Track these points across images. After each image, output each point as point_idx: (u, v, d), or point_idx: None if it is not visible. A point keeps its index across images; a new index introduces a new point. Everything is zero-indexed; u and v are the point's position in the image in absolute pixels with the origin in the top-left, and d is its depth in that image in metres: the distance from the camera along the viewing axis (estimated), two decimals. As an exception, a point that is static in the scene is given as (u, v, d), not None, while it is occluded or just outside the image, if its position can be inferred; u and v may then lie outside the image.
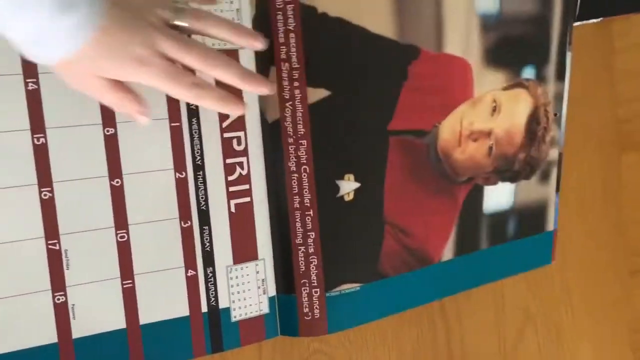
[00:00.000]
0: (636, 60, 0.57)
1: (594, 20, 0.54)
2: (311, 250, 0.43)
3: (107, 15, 0.29)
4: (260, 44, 0.33)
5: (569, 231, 0.56)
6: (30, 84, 0.37)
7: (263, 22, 0.42)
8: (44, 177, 0.38)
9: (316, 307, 0.44)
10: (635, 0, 0.56)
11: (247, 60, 0.42)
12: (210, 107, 0.33)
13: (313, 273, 0.44)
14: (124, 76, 0.31)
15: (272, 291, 0.44)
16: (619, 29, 0.56)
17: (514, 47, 0.47)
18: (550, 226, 0.54)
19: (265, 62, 0.42)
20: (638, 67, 0.57)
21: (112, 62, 0.30)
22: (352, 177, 0.43)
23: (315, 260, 0.43)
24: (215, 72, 0.32)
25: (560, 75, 0.50)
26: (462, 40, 0.45)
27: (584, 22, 0.53)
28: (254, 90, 0.33)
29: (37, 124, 0.37)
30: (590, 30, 0.55)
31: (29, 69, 0.37)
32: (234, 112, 0.34)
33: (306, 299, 0.44)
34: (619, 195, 0.58)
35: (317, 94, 0.42)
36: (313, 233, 0.43)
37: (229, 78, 0.32)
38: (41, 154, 0.37)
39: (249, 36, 0.33)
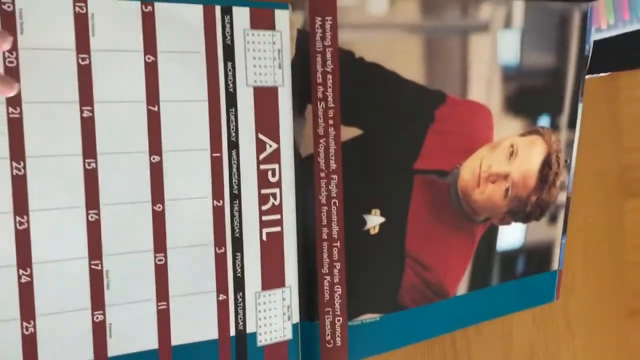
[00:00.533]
0: (640, 112, 0.61)
1: (602, 74, 0.57)
2: (336, 280, 0.45)
3: None
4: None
5: (574, 270, 0.58)
6: (85, 112, 0.39)
7: (303, 63, 0.44)
8: (92, 200, 0.39)
9: (338, 335, 0.46)
10: (639, 57, 0.59)
11: (286, 98, 0.44)
12: None
13: (337, 302, 0.46)
14: None
15: (295, 318, 0.46)
16: (625, 83, 0.60)
17: (532, 97, 0.50)
18: (555, 265, 0.56)
19: (303, 101, 0.45)
20: (642, 119, 0.61)
21: None
22: (378, 211, 0.46)
23: (340, 289, 0.45)
24: None
25: (571, 124, 0.53)
26: (484, 88, 0.48)
27: (593, 75, 0.57)
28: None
29: (89, 149, 0.39)
30: (599, 83, 0.59)
31: (86, 98, 0.39)
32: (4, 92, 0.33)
33: (329, 327, 0.46)
34: (621, 238, 0.61)
35: (349, 133, 0.44)
36: (339, 263, 0.45)
37: None
38: (91, 178, 0.39)
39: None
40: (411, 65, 0.45)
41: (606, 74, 0.58)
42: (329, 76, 0.44)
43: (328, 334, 0.46)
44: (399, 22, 0.45)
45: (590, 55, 0.54)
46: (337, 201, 0.45)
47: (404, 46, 0.45)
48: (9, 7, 0.37)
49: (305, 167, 0.45)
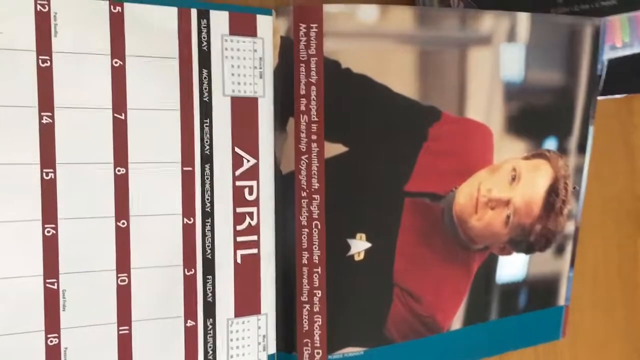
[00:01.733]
0: (658, 138, 0.56)
1: (617, 96, 0.54)
2: (316, 309, 0.42)
3: None
4: None
5: (582, 307, 0.54)
6: (45, 118, 0.36)
7: (286, 73, 0.41)
8: (49, 213, 0.36)
9: (316, 370, 0.42)
10: (658, 79, 0.55)
11: (267, 110, 0.41)
12: None
13: (316, 333, 0.42)
14: None
15: (272, 348, 0.42)
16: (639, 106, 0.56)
17: (537, 117, 0.47)
18: (561, 301, 0.52)
19: (285, 113, 0.41)
20: (659, 145, 0.57)
21: None
22: (364, 236, 0.42)
23: (320, 319, 0.42)
24: None
25: (581, 149, 0.49)
26: (484, 106, 0.44)
27: (607, 97, 0.53)
28: None
29: (47, 158, 0.36)
30: (611, 105, 0.55)
31: (45, 103, 0.36)
32: None
33: (307, 359, 0.42)
34: (635, 274, 0.57)
35: (334, 149, 0.41)
36: (320, 291, 0.42)
37: None
38: (49, 189, 0.36)
39: None
40: (403, 79, 0.42)
41: (621, 96, 0.54)
42: (313, 87, 0.41)
43: (305, 368, 0.42)
44: (391, 31, 0.41)
45: (603, 75, 0.50)
46: (319, 223, 0.41)
47: (395, 57, 0.42)
48: (-35, 3, 0.34)
49: (286, 185, 0.42)
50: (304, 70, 0.41)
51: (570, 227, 0.50)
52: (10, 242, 0.36)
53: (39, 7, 0.36)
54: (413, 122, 0.43)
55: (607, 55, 0.50)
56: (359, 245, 0.42)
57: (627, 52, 0.51)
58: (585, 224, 0.52)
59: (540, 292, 0.51)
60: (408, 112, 0.42)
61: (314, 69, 0.41)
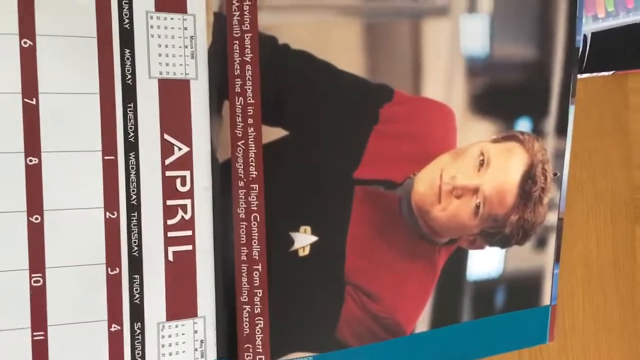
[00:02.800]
0: (653, 119, 0.51)
1: (604, 74, 0.49)
2: (257, 310, 0.38)
3: None
4: None
5: (573, 307, 0.49)
6: (-56, 103, 0.33)
7: (221, 52, 0.38)
8: (-49, 208, 0.33)
9: (260, 378, 0.38)
10: (653, 54, 0.50)
11: (200, 93, 0.38)
12: None
13: (258, 337, 0.38)
14: None
15: (211, 355, 0.39)
16: (635, 85, 0.51)
17: (507, 95, 0.42)
18: (546, 300, 0.47)
19: (221, 96, 0.38)
20: (656, 128, 0.51)
21: None
22: (309, 229, 0.38)
23: (262, 322, 0.38)
24: None
25: (561, 131, 0.45)
26: (443, 84, 0.40)
27: (594, 74, 0.48)
28: None
29: (-52, 147, 0.33)
30: (602, 84, 0.50)
31: (-55, 87, 0.33)
32: None
33: (249, 367, 0.38)
34: (633, 272, 0.51)
35: (273, 134, 0.37)
36: (260, 291, 0.38)
37: None
38: (-50, 182, 0.33)
39: None
40: (349, 54, 0.38)
41: (609, 73, 0.49)
42: (248, 66, 0.37)
43: (247, 376, 0.38)
44: (333, 2, 0.37)
45: (585, 49, 0.45)
46: (258, 215, 0.37)
47: (339, 31, 0.38)
48: None
49: (223, 174, 0.38)
50: (237, 47, 0.37)
51: (552, 218, 0.46)
52: None
53: None
54: (361, 102, 0.39)
55: (590, 27, 0.46)
56: (303, 239, 0.38)
57: (613, 23, 0.46)
58: (575, 216, 0.48)
59: (521, 290, 0.46)
60: (355, 91, 0.38)
61: (249, 45, 0.37)
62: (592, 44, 0.47)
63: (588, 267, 0.50)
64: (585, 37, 0.46)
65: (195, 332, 0.38)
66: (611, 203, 0.51)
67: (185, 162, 0.38)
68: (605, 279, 0.51)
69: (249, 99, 0.37)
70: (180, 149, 0.38)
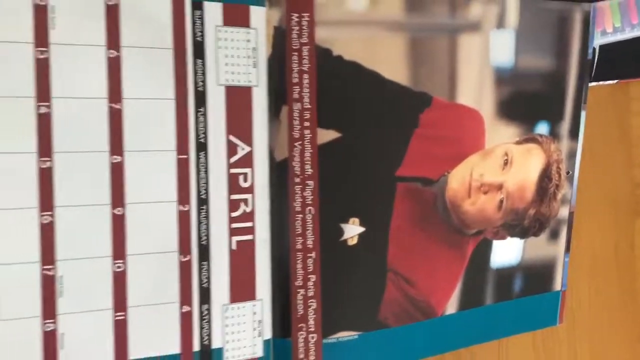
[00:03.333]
0: (652, 123, 0.57)
1: (611, 82, 0.54)
2: (311, 293, 0.42)
3: None
4: None
5: (579, 292, 0.54)
6: (42, 107, 0.37)
7: (279, 62, 0.42)
8: (46, 201, 0.37)
9: (312, 353, 0.43)
10: (652, 65, 0.55)
11: (261, 98, 0.42)
12: None
13: (311, 318, 0.43)
14: None
15: (267, 334, 0.43)
16: (636, 92, 0.56)
17: (528, 102, 0.47)
18: (558, 286, 0.52)
19: (279, 101, 0.42)
20: (654, 131, 0.57)
21: None
22: (357, 221, 0.43)
23: (314, 304, 0.42)
24: None
25: (574, 134, 0.50)
26: (475, 91, 0.45)
27: (600, 83, 0.53)
28: None
29: (44, 147, 0.37)
30: (607, 91, 0.55)
31: (43, 94, 0.37)
32: None
33: (302, 344, 0.43)
34: (632, 260, 0.57)
35: (327, 136, 0.42)
36: (314, 276, 0.42)
37: None
38: (45, 178, 0.37)
39: None
40: (394, 65, 0.42)
41: (614, 81, 0.54)
42: (306, 75, 0.41)
43: (301, 352, 0.43)
44: (381, 18, 0.42)
45: (594, 60, 0.50)
46: (312, 209, 0.42)
47: (386, 44, 0.42)
48: (-38, -4, 0.35)
49: (280, 172, 0.42)
50: (296, 58, 0.41)
51: (564, 212, 0.51)
52: (7, 229, 0.36)
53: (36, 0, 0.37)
54: (404, 108, 0.43)
55: (599, 40, 0.51)
56: (352, 230, 0.43)
57: (619, 37, 0.51)
58: (581, 209, 0.53)
59: (535, 277, 0.51)
60: (399, 98, 0.43)
61: (306, 57, 0.41)
62: (599, 56, 0.52)
63: (593, 256, 0.55)
64: (593, 49, 0.51)
65: (254, 313, 0.43)
66: (614, 199, 0.56)
67: (247, 160, 0.42)
68: (608, 267, 0.56)
69: (306, 104, 0.42)
70: (243, 148, 0.42)
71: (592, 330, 0.55)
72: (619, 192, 0.56)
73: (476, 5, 0.44)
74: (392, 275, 0.44)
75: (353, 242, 0.43)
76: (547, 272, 0.52)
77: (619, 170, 0.56)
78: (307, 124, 0.42)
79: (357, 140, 0.42)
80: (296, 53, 0.41)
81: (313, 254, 0.42)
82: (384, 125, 0.43)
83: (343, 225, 0.42)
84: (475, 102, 0.45)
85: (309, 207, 0.42)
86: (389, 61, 0.42)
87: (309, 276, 0.42)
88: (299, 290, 0.42)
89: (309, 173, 0.42)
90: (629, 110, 0.56)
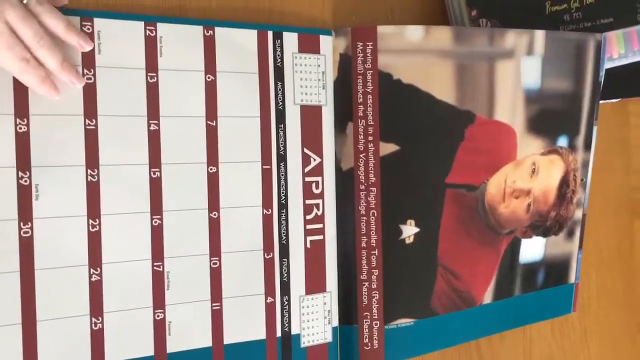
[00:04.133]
0: (648, 136, 0.65)
1: (613, 100, 0.62)
2: (374, 285, 0.49)
3: None
4: (86, 45, 0.39)
5: (589, 285, 0.62)
6: (152, 125, 0.43)
7: (344, 84, 0.48)
8: (156, 206, 0.43)
9: (375, 338, 0.49)
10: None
11: (328, 116, 0.48)
12: (29, 83, 0.38)
13: (374, 307, 0.49)
14: None
15: (335, 322, 0.49)
16: (634, 109, 0.64)
17: (551, 118, 0.55)
18: (572, 279, 0.60)
19: (344, 118, 0.48)
20: (650, 143, 0.65)
21: None
22: (413, 222, 0.49)
23: (377, 295, 0.49)
24: (41, 51, 0.38)
25: (587, 146, 0.57)
26: (509, 109, 0.52)
27: (605, 101, 0.61)
28: (64, 78, 0.39)
29: (154, 159, 0.43)
30: (610, 108, 0.63)
31: (153, 113, 0.42)
32: (47, 94, 0.39)
33: (367, 330, 0.49)
34: (631, 256, 0.65)
35: (387, 148, 0.48)
36: (377, 270, 0.49)
37: (51, 62, 0.38)
38: (156, 186, 0.43)
39: (75, 35, 0.39)
40: (444, 87, 0.49)
41: (617, 100, 0.62)
42: (369, 96, 0.48)
43: (366, 337, 0.49)
44: (433, 48, 0.49)
45: (602, 82, 0.58)
46: (375, 212, 0.48)
47: (437, 69, 0.49)
48: (88, 28, 0.41)
49: (345, 180, 0.49)
50: (361, 81, 0.48)
51: (578, 214, 0.58)
52: (125, 231, 0.42)
53: (147, 31, 0.42)
54: (452, 124, 0.50)
55: (606, 65, 0.58)
56: (409, 230, 0.49)
57: (623, 62, 0.59)
58: (589, 213, 0.60)
59: (554, 271, 0.58)
60: (448, 116, 0.50)
61: (370, 80, 0.48)
62: (605, 78, 0.60)
63: (599, 253, 0.63)
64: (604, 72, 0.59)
65: (325, 303, 0.49)
66: (615, 201, 0.64)
67: (318, 170, 0.48)
68: (612, 263, 0.64)
69: (370, 121, 0.48)
70: (314, 159, 0.48)
71: (599, 318, 0.63)
72: (620, 196, 0.64)
73: (510, 35, 0.51)
74: (442, 270, 0.51)
75: (410, 240, 0.49)
76: (564, 267, 0.59)
77: (619, 176, 0.64)
78: (370, 138, 0.48)
79: (413, 152, 0.49)
80: (361, 77, 0.48)
81: (376, 251, 0.48)
82: (435, 139, 0.49)
83: (402, 226, 0.49)
84: (509, 119, 0.52)
85: (372, 211, 0.48)
86: (440, 84, 0.49)
87: (373, 270, 0.49)
88: (364, 283, 0.49)
89: (373, 181, 0.48)
90: (628, 124, 0.64)
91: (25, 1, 0.37)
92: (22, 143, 0.39)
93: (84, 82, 0.40)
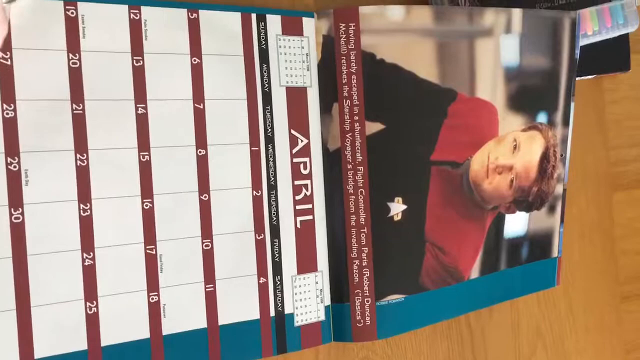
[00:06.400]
0: (622, 111, 0.66)
1: (589, 77, 0.63)
2: (364, 263, 0.49)
3: None
4: None
5: (572, 258, 0.63)
6: (139, 109, 0.43)
7: (329, 66, 0.49)
8: (146, 190, 0.43)
9: (367, 315, 0.49)
10: (620, 62, 0.65)
11: (314, 97, 0.49)
12: None
13: (365, 284, 0.49)
14: None
15: (327, 301, 0.50)
16: (609, 85, 0.66)
17: (531, 95, 0.56)
18: (555, 253, 0.61)
19: (330, 99, 0.49)
20: (624, 118, 0.67)
21: None
22: (400, 199, 0.50)
23: (368, 272, 0.49)
24: None
25: (565, 122, 0.59)
26: (490, 87, 0.53)
27: (580, 78, 0.63)
28: None
29: (143, 143, 0.43)
30: (585, 85, 0.64)
31: (140, 96, 0.42)
32: None
33: (359, 307, 0.49)
34: (611, 228, 0.66)
35: (373, 128, 0.49)
36: (367, 248, 0.49)
37: None
38: (145, 169, 0.43)
39: None
40: (426, 66, 0.50)
41: (592, 76, 0.63)
42: (354, 76, 0.48)
43: (358, 314, 0.49)
44: (415, 27, 0.49)
45: (578, 59, 0.59)
46: (363, 191, 0.49)
47: (419, 48, 0.50)
48: (72, 12, 0.41)
49: (332, 160, 0.49)
50: (345, 62, 0.48)
51: (559, 188, 0.60)
52: (116, 215, 0.42)
53: (132, 15, 0.42)
54: (436, 102, 0.51)
55: (581, 42, 0.60)
56: (397, 208, 0.50)
57: (597, 38, 0.60)
58: (569, 187, 0.62)
59: (538, 245, 0.59)
60: (431, 94, 0.50)
61: (354, 60, 0.48)
62: (581, 55, 0.61)
63: (580, 226, 0.64)
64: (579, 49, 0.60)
65: (316, 283, 0.49)
66: (595, 176, 0.65)
67: (306, 151, 0.49)
68: (593, 235, 0.65)
69: (355, 101, 0.49)
70: (302, 140, 0.49)
71: (583, 290, 0.64)
72: (599, 171, 0.66)
73: (489, 14, 0.52)
74: (430, 246, 0.51)
75: (398, 218, 0.50)
76: (547, 241, 0.60)
77: (598, 152, 0.66)
78: (356, 118, 0.49)
79: (398, 131, 0.50)
80: (345, 57, 0.48)
81: (365, 229, 0.49)
82: (419, 117, 0.50)
83: (389, 204, 0.50)
84: (490, 96, 0.53)
85: (360, 189, 0.49)
86: (422, 62, 0.50)
87: (363, 248, 0.49)
88: (354, 261, 0.49)
89: (360, 160, 0.49)
90: (602, 100, 0.66)
91: None
92: (10, 128, 0.39)
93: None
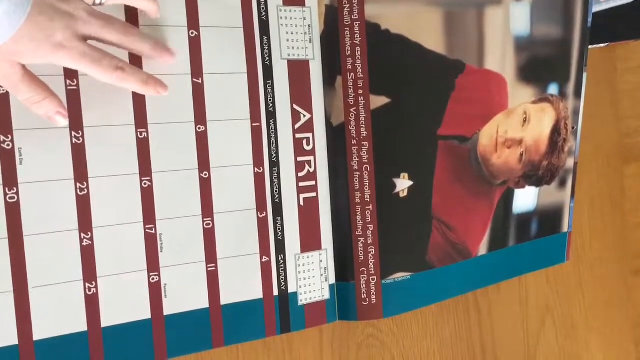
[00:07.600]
0: (637, 81, 0.64)
1: (601, 45, 0.61)
2: (370, 241, 0.48)
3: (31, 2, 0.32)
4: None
5: (582, 232, 0.62)
6: (136, 84, 0.41)
7: (332, 37, 0.47)
8: (144, 168, 0.42)
9: (373, 293, 0.48)
10: (634, 29, 0.63)
11: (317, 70, 0.47)
12: (133, 88, 0.38)
13: (371, 262, 0.48)
14: (42, 57, 0.34)
15: (332, 279, 0.49)
16: (622, 54, 0.64)
17: (542, 66, 0.54)
18: (565, 228, 0.60)
19: (333, 72, 0.47)
20: (638, 87, 0.65)
21: (30, 45, 0.33)
22: (406, 175, 0.49)
23: (373, 250, 0.48)
24: (134, 45, 0.37)
25: (577, 93, 0.57)
26: (499, 58, 0.51)
27: (592, 46, 0.60)
28: (161, 59, 0.40)
29: (140, 119, 0.41)
30: (597, 54, 0.62)
31: (136, 71, 0.41)
32: (156, 93, 0.38)
33: (364, 285, 0.48)
34: (622, 202, 0.65)
35: (378, 101, 0.47)
36: (372, 225, 0.48)
37: (146, 50, 0.38)
38: (143, 147, 0.42)
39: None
40: (432, 36, 0.48)
41: (604, 44, 0.61)
42: (358, 48, 0.47)
43: (364, 292, 0.48)
44: (421, -4, 0.48)
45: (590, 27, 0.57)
46: (368, 166, 0.48)
47: (426, 18, 0.48)
48: None
49: (336, 135, 0.48)
50: (348, 33, 0.47)
51: (570, 162, 0.58)
52: (114, 193, 0.41)
53: (126, -14, 0.41)
54: (443, 74, 0.49)
55: (594, 8, 0.58)
56: (403, 184, 0.49)
57: (611, 4, 0.58)
58: (580, 159, 0.60)
59: (548, 220, 0.58)
60: (438, 65, 0.49)
61: (358, 31, 0.47)
62: (592, 22, 0.59)
63: (591, 200, 0.63)
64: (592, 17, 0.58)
65: (321, 261, 0.48)
66: (606, 148, 0.64)
67: (309, 126, 0.47)
68: (604, 209, 0.64)
69: (359, 74, 0.47)
70: (304, 115, 0.47)
71: (593, 265, 0.63)
72: (610, 143, 0.64)
73: (498, -19, 0.50)
74: (436, 222, 0.50)
75: (404, 194, 0.49)
76: (557, 216, 0.59)
77: (609, 123, 0.64)
78: (360, 91, 0.47)
79: (404, 104, 0.48)
80: (348, 28, 0.47)
81: (370, 207, 0.48)
82: (426, 90, 0.49)
83: (395, 180, 0.48)
84: (500, 67, 0.51)
85: (365, 165, 0.48)
86: (429, 33, 0.48)
87: (368, 226, 0.48)
88: (359, 238, 0.48)
89: (364, 135, 0.47)
90: (615, 69, 0.64)
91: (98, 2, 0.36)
92: (2, 105, 0.38)
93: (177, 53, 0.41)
